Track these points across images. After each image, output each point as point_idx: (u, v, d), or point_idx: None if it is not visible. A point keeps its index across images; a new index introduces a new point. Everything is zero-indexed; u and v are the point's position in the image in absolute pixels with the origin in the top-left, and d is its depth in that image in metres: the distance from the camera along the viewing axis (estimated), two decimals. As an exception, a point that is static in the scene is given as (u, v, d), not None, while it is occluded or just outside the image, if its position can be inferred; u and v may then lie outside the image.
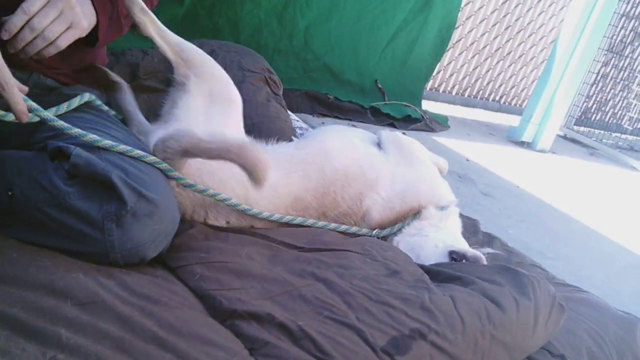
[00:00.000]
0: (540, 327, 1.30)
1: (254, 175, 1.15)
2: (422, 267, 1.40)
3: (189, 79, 1.40)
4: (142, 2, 1.31)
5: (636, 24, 6.40)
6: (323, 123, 3.66)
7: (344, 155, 1.55)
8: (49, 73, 1.34)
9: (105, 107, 1.37)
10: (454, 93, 6.04)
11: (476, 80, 6.16)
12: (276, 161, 1.45)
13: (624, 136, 6.73)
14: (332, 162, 1.52)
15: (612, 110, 7.02)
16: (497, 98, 6.47)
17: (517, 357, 1.27)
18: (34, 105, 1.07)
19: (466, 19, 5.65)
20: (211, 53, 1.93)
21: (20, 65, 1.20)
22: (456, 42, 5.66)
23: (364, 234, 1.52)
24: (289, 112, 2.36)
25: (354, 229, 1.51)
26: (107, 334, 0.89)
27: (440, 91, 5.90)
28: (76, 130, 1.11)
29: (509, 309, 1.24)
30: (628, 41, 6.49)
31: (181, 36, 1.42)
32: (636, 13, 6.33)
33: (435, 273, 1.38)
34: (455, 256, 1.48)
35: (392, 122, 4.13)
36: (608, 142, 6.33)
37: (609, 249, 3.19)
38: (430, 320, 1.14)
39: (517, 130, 5.17)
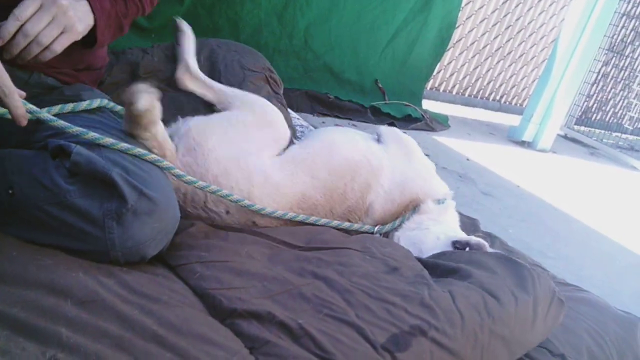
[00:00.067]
0: (539, 322, 1.30)
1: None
2: (420, 261, 1.40)
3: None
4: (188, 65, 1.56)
5: (637, 23, 6.40)
6: (323, 122, 3.66)
7: (348, 148, 1.58)
8: (50, 72, 1.34)
9: (118, 107, 1.36)
10: (454, 92, 6.04)
11: (476, 80, 6.15)
12: (280, 162, 1.48)
13: (624, 136, 6.73)
14: (338, 155, 1.54)
15: (612, 109, 7.02)
16: (498, 97, 6.46)
17: (516, 351, 1.27)
18: (33, 107, 1.08)
19: (466, 19, 5.65)
20: (211, 52, 1.94)
21: (21, 65, 1.20)
22: (456, 41, 5.65)
23: (367, 230, 1.53)
24: (289, 110, 2.36)
25: (356, 225, 1.52)
26: (107, 333, 0.89)
27: (441, 90, 5.89)
28: (77, 129, 1.12)
29: (507, 302, 1.25)
30: (629, 40, 6.48)
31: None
32: (637, 12, 6.32)
33: (433, 266, 1.38)
34: (459, 245, 1.50)
35: (392, 121, 4.12)
36: (608, 141, 6.33)
37: (609, 249, 3.19)
38: (430, 316, 1.14)
39: (517, 130, 5.16)
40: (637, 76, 6.66)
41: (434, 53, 4.69)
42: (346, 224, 1.51)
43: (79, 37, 1.17)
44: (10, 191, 1.06)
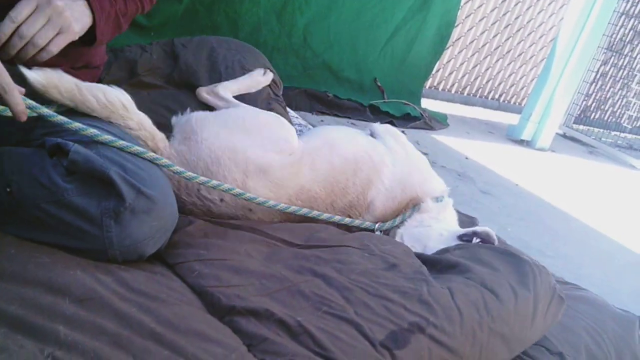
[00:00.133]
0: (539, 319, 1.30)
1: None
2: (420, 257, 1.41)
3: None
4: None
5: (636, 23, 6.40)
6: (322, 121, 3.66)
7: (349, 145, 1.58)
8: (48, 70, 1.34)
9: None
10: (453, 91, 6.04)
11: (475, 79, 6.15)
12: (279, 156, 1.47)
13: (623, 135, 6.73)
14: (340, 152, 1.55)
15: (611, 108, 7.02)
16: (497, 96, 6.46)
17: (515, 348, 1.27)
18: (33, 103, 1.08)
19: (466, 17, 5.65)
20: (211, 50, 1.93)
21: (19, 64, 1.20)
22: (455, 40, 5.65)
23: (367, 227, 1.54)
24: (288, 108, 2.36)
25: (357, 222, 1.53)
26: (105, 331, 0.89)
27: (440, 89, 5.89)
28: (76, 124, 1.12)
29: (507, 299, 1.25)
30: (628, 40, 6.48)
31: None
32: (636, 11, 6.33)
33: (434, 262, 1.38)
34: (466, 237, 1.51)
35: (391, 120, 4.12)
36: (607, 140, 6.33)
37: (608, 248, 3.19)
38: (429, 313, 1.14)
39: (516, 129, 5.17)
40: (635, 75, 6.66)
41: (433, 51, 4.69)
42: (347, 220, 1.52)
43: (76, 37, 1.18)
44: (8, 189, 1.06)
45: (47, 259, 1.00)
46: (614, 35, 6.19)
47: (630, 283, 2.75)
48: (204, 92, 1.69)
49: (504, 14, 5.93)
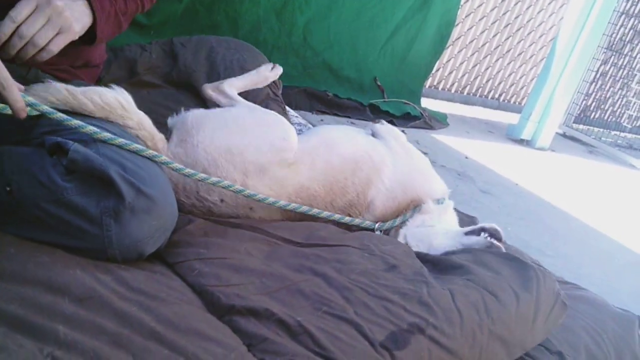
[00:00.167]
0: (539, 323, 1.30)
1: None
2: (422, 257, 1.40)
3: None
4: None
5: (636, 22, 6.40)
6: (322, 120, 3.65)
7: (349, 144, 1.58)
8: (48, 69, 1.34)
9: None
10: (453, 90, 6.04)
11: (475, 78, 6.15)
12: (278, 156, 1.46)
13: (622, 134, 6.73)
14: (338, 151, 1.54)
15: (611, 108, 7.02)
16: (497, 96, 6.46)
17: (515, 352, 1.27)
18: (32, 100, 1.08)
19: (465, 17, 5.64)
20: (210, 50, 1.93)
21: (20, 62, 1.20)
22: (455, 39, 5.65)
23: (367, 226, 1.53)
24: (288, 108, 2.36)
25: (357, 220, 1.52)
26: (105, 330, 0.89)
27: (440, 89, 5.89)
28: (76, 122, 1.12)
29: (508, 302, 1.24)
30: (627, 39, 6.48)
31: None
32: (636, 11, 6.32)
33: (436, 262, 1.38)
34: (474, 233, 1.51)
35: (391, 119, 4.11)
36: (607, 140, 6.33)
37: (608, 247, 3.19)
38: (429, 314, 1.14)
39: (516, 128, 5.16)
40: (635, 75, 6.66)
41: (433, 51, 4.69)
42: (347, 219, 1.51)
43: (76, 37, 1.18)
44: (8, 189, 1.06)
45: (47, 258, 1.00)
46: (613, 35, 6.18)
47: (630, 283, 2.75)
48: (209, 89, 1.68)
49: (504, 13, 5.93)
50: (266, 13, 3.55)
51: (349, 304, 1.12)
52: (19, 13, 1.08)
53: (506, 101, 6.55)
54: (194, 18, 3.24)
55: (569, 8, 5.05)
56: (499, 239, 1.50)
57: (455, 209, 1.75)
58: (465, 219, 1.89)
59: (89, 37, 1.24)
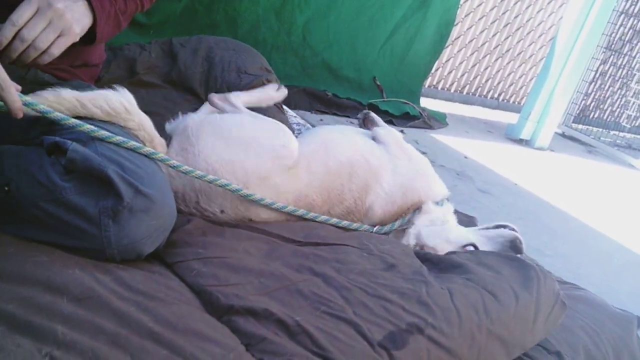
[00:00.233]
0: (539, 324, 1.30)
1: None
2: (420, 256, 1.40)
3: None
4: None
5: (635, 22, 6.40)
6: (321, 120, 3.65)
7: (345, 146, 1.56)
8: (47, 69, 1.34)
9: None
10: (452, 90, 6.04)
11: (475, 78, 6.15)
12: (278, 163, 1.45)
13: (622, 134, 6.73)
14: (335, 155, 1.53)
15: (610, 108, 7.02)
16: (496, 95, 6.46)
17: (514, 351, 1.27)
18: (30, 100, 1.08)
19: (465, 16, 5.64)
20: (209, 51, 1.93)
21: (22, 65, 1.20)
22: (455, 39, 5.65)
23: (365, 230, 1.52)
24: (287, 108, 2.35)
25: (355, 225, 1.52)
26: (103, 330, 0.89)
27: (439, 88, 5.89)
28: (73, 121, 1.12)
29: (507, 303, 1.24)
30: (627, 39, 6.48)
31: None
32: (635, 10, 6.32)
33: (436, 261, 1.38)
34: (492, 226, 1.56)
35: (390, 119, 4.11)
36: (606, 140, 6.33)
37: (607, 247, 3.19)
38: (427, 314, 1.14)
39: (515, 128, 5.16)
40: (635, 74, 6.66)
41: (432, 50, 4.69)
42: (345, 223, 1.50)
43: (76, 38, 1.19)
44: (6, 188, 1.06)
45: (46, 258, 1.00)
46: (613, 34, 6.18)
47: (629, 283, 2.75)
48: (215, 99, 1.65)
49: (503, 13, 5.93)
50: (265, 12, 3.55)
51: (347, 304, 1.12)
52: (20, 16, 1.08)
53: (505, 101, 6.55)
54: (193, 17, 3.24)
55: (569, 7, 5.05)
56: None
57: (455, 209, 1.75)
58: (464, 219, 1.89)
59: (88, 37, 1.24)
